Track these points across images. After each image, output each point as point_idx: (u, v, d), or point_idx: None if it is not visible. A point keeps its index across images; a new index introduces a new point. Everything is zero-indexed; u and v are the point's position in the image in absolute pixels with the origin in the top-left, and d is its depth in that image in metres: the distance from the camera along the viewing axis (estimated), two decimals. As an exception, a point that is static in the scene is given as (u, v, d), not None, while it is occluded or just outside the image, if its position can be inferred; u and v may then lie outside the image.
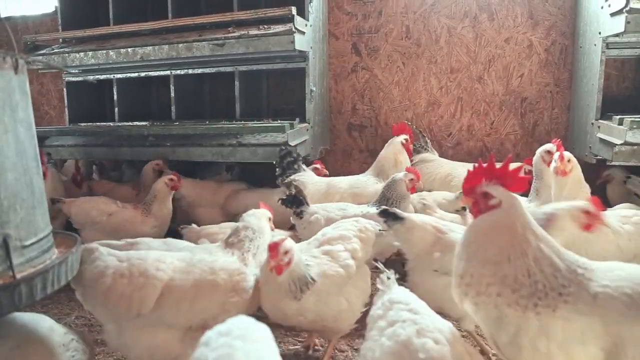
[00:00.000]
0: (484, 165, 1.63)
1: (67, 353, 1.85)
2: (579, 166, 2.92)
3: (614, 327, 1.35)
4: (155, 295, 2.00)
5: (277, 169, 3.77)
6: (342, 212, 3.02)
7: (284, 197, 3.10)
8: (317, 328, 2.35)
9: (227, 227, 3.14)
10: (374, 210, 2.91)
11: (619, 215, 2.68)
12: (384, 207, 2.71)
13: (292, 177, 3.70)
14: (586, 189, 2.94)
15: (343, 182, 3.74)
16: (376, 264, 2.10)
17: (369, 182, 3.69)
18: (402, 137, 3.82)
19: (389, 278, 1.87)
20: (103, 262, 2.01)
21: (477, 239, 1.60)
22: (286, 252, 2.06)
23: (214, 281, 2.10)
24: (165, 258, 2.14)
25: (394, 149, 3.80)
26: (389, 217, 2.51)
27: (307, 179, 3.76)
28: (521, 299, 1.45)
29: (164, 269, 2.07)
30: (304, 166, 3.88)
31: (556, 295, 1.42)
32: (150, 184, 3.88)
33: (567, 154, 2.87)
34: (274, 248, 2.05)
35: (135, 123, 5.10)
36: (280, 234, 2.47)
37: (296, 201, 3.05)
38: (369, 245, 2.45)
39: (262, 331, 1.17)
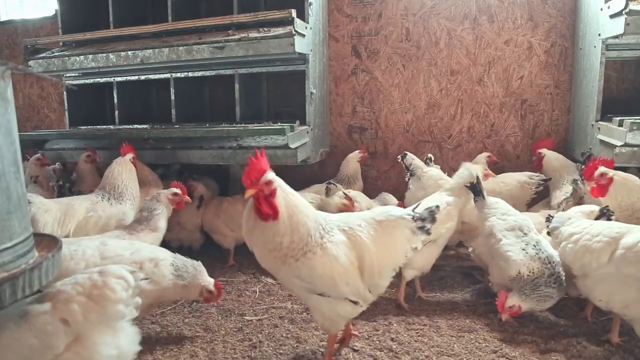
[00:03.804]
0: (255, 161, 2.04)
1: None
2: None
3: (356, 247, 2.23)
4: None
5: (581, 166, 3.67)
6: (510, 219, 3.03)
7: (468, 184, 3.22)
8: None
9: None
10: None
11: None
12: None
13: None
14: None
15: None
16: None
17: None
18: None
19: None
20: None
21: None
22: None
23: None
24: None
25: None
26: None
27: None
28: (283, 255, 2.12)
29: None
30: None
31: (319, 239, 2.16)
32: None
33: None
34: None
35: (135, 126, 5.10)
36: None
37: (474, 190, 3.18)
38: (104, 306, 1.81)
39: None
